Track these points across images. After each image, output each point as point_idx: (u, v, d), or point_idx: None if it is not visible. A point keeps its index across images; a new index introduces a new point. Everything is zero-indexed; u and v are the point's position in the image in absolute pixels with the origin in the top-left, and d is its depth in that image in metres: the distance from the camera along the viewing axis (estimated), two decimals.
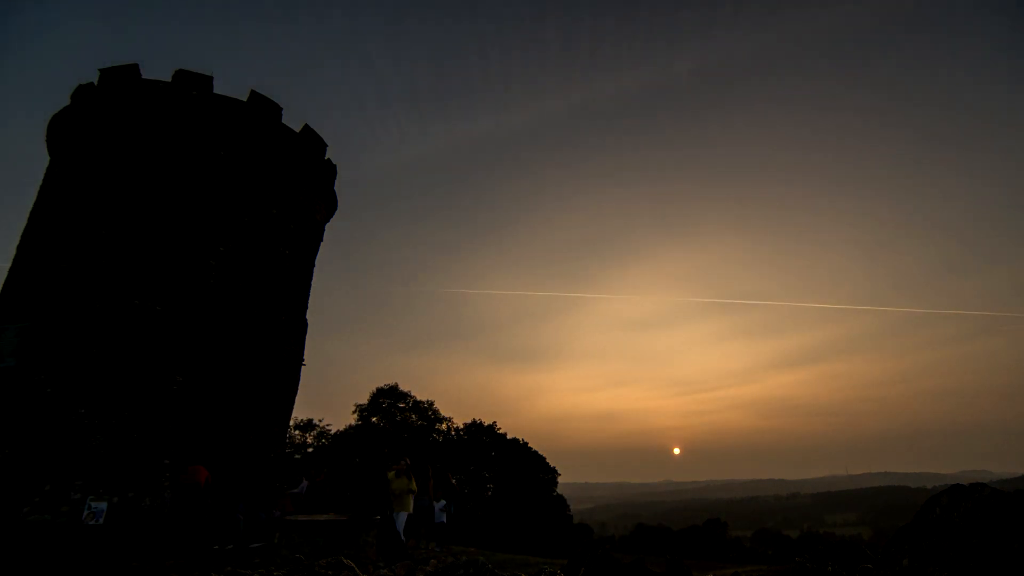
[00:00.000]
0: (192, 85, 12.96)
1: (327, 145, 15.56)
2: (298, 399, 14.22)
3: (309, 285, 15.05)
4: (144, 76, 13.05)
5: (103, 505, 9.51)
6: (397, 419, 36.79)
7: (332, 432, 35.71)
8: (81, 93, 13.24)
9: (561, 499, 39.73)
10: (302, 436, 35.26)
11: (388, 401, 37.57)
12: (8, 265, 12.32)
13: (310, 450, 34.50)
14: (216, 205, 12.45)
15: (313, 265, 15.41)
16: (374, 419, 36.64)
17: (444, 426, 38.69)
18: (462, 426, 39.01)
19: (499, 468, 36.83)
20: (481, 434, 38.18)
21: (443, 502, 12.45)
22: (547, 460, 39.07)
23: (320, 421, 36.07)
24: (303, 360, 14.45)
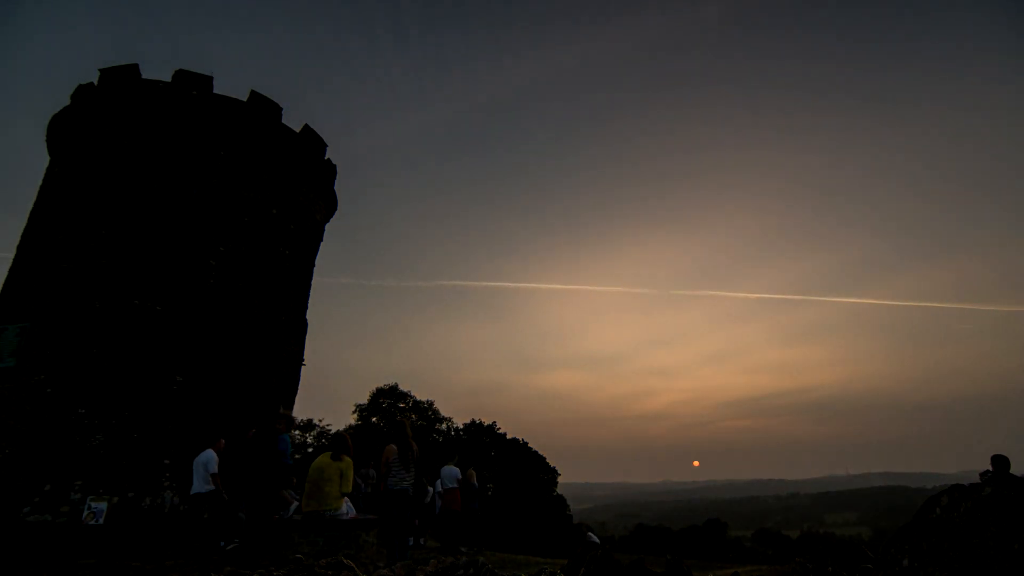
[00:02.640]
0: (192, 85, 12.96)
1: (327, 145, 15.56)
2: (298, 399, 14.23)
3: (309, 285, 15.05)
4: (144, 76, 13.05)
5: (103, 505, 9.51)
6: (397, 419, 36.80)
7: (332, 432, 35.73)
8: (81, 93, 13.24)
9: (561, 499, 39.74)
10: (302, 436, 35.26)
11: (388, 401, 37.60)
12: (8, 265, 12.33)
13: (310, 450, 34.51)
14: (216, 205, 12.45)
15: (313, 265, 15.41)
16: (374, 419, 36.66)
17: (444, 426, 38.72)
18: (462, 426, 39.05)
19: (499, 468, 36.85)
20: (481, 434, 38.21)
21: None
22: (547, 460, 39.10)
23: (320, 421, 36.08)
24: (303, 360, 14.45)
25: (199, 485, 9.09)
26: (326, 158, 15.69)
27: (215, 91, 13.21)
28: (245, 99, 13.50)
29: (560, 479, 39.53)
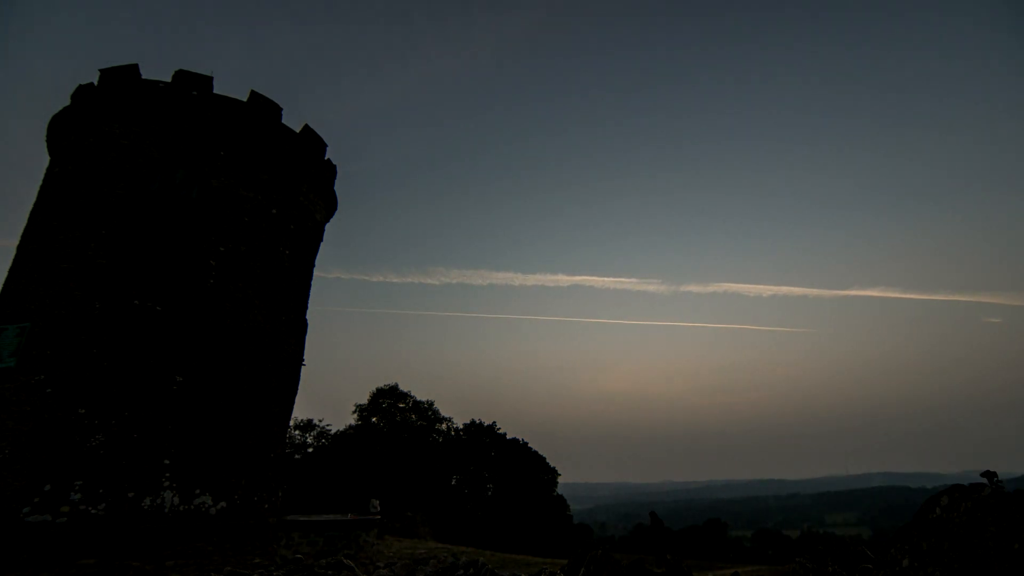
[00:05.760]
0: (192, 85, 12.97)
1: (327, 145, 15.57)
2: (298, 399, 14.23)
3: (309, 285, 15.06)
4: (144, 76, 13.05)
5: (103, 505, 9.51)
6: (397, 419, 36.84)
7: (332, 432, 35.75)
8: (81, 93, 13.25)
9: (561, 499, 39.77)
10: (302, 436, 35.30)
11: (388, 401, 37.64)
12: (8, 265, 12.34)
13: (310, 450, 34.56)
14: (216, 205, 12.45)
15: (313, 265, 15.42)
16: (374, 419, 36.70)
17: (444, 426, 38.75)
18: (462, 426, 39.07)
19: (499, 468, 36.86)
20: (481, 434, 38.22)
21: None
22: (547, 460, 39.12)
23: (320, 421, 36.13)
24: (303, 360, 14.45)
25: None
26: (326, 158, 15.70)
27: (215, 91, 13.22)
28: (245, 99, 13.51)
29: (560, 479, 39.56)
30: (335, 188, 16.52)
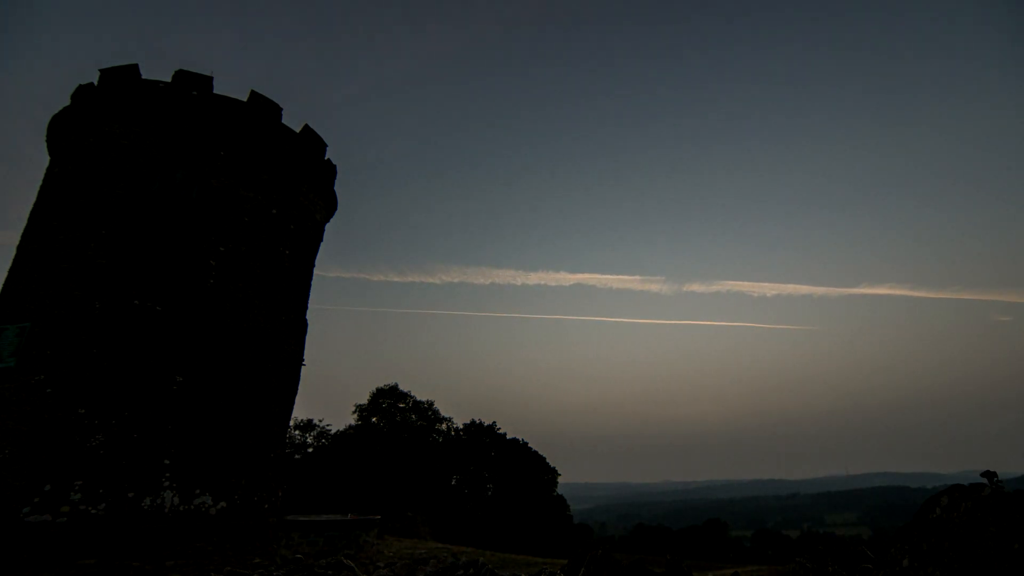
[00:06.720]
0: (192, 85, 12.97)
1: (327, 145, 15.57)
2: (298, 399, 14.23)
3: (309, 285, 15.06)
4: (144, 76, 13.05)
5: (103, 505, 9.51)
6: (397, 419, 36.87)
7: (332, 432, 35.79)
8: (81, 93, 13.25)
9: (561, 499, 39.80)
10: (302, 436, 35.34)
11: (388, 401, 37.68)
12: (8, 265, 12.34)
13: (310, 450, 34.58)
14: (216, 205, 12.45)
15: (313, 265, 15.42)
16: (374, 419, 36.73)
17: (444, 426, 38.79)
18: (462, 426, 39.10)
19: (499, 468, 36.88)
20: (481, 434, 38.25)
21: None
22: (547, 460, 39.15)
23: (320, 421, 36.19)
24: (303, 360, 14.45)
25: None
26: (326, 158, 15.71)
27: (215, 91, 13.22)
28: (245, 99, 13.51)
29: (560, 479, 39.60)
30: (335, 188, 16.53)
